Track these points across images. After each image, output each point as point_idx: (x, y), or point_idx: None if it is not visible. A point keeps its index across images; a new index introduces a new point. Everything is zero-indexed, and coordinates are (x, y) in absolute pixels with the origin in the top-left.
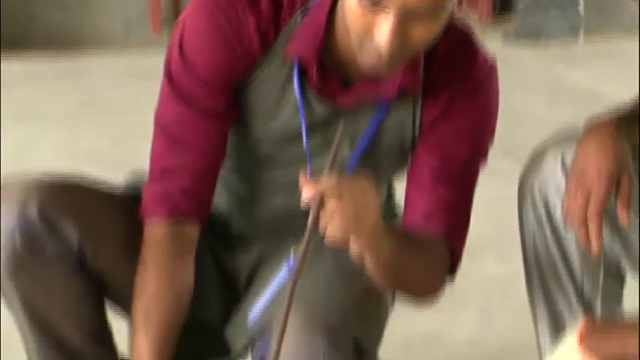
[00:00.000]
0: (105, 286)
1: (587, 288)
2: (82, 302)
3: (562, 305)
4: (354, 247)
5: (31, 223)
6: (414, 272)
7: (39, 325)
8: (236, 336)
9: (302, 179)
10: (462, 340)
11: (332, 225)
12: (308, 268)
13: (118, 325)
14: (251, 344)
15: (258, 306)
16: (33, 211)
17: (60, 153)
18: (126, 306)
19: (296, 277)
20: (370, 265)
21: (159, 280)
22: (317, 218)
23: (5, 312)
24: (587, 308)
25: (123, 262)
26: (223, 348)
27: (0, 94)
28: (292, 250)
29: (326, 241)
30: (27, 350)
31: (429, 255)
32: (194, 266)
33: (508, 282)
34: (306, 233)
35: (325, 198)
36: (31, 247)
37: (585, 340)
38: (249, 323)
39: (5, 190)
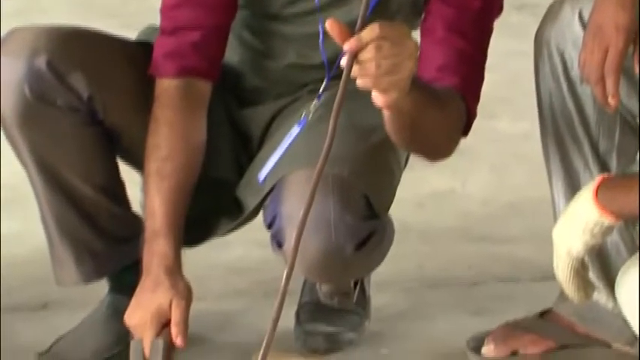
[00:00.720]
0: (116, 140)
1: (602, 144)
2: (92, 156)
3: (577, 162)
4: (381, 99)
5: (40, 74)
6: (432, 127)
7: (49, 177)
8: (248, 195)
9: (334, 27)
10: (475, 198)
11: (367, 74)
12: (320, 125)
13: (130, 185)
14: (263, 204)
15: (269, 164)
16: (42, 62)
17: (70, 6)
18: (138, 162)
19: (332, 133)
20: (391, 120)
21: (170, 136)
22: (351, 68)
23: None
24: (603, 165)
25: (134, 116)
26: (236, 208)
27: None
28: (305, 111)
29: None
30: (38, 202)
31: (447, 110)
32: (206, 123)
33: (522, 140)
34: (342, 83)
35: (364, 46)
36: (40, 97)
37: (601, 194)
38: (261, 182)
39: (13, 40)
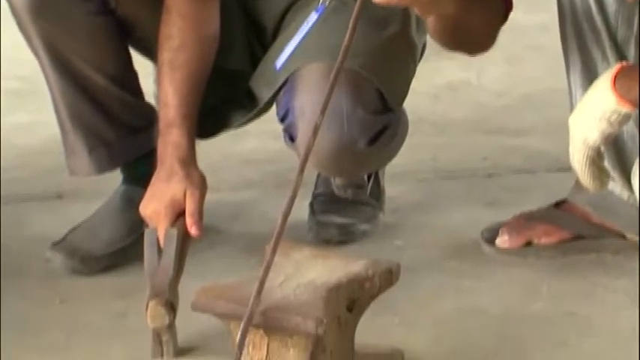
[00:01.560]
0: (129, 30)
1: (621, 33)
2: (104, 45)
3: (595, 52)
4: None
5: None
6: (474, 26)
7: (61, 66)
8: (261, 87)
9: None
10: (490, 90)
11: None
12: (334, 17)
13: (144, 76)
14: (276, 97)
15: (284, 55)
16: None
17: None
18: (151, 53)
19: (352, 31)
20: (434, 25)
21: (183, 27)
22: None
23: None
24: (621, 54)
25: (146, 6)
26: (249, 100)
27: None
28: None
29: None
30: (51, 92)
31: (487, 6)
32: (220, 14)
33: (538, 31)
34: None
35: None
36: None
37: (618, 83)
38: (278, 69)
39: None
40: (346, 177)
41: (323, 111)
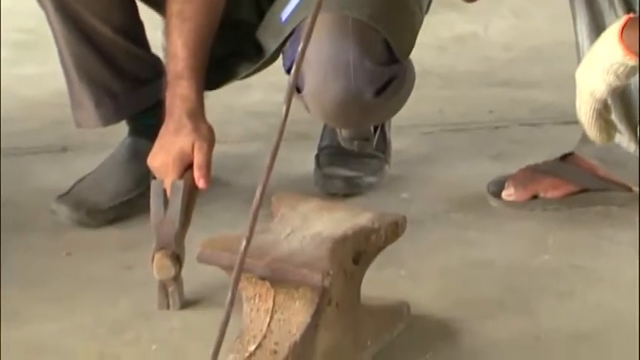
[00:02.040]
0: None
1: None
2: None
3: (603, 4)
4: None
5: None
6: None
7: (67, 17)
8: (268, 38)
9: None
10: (497, 42)
11: None
12: None
13: (151, 27)
14: (282, 48)
15: (290, 6)
16: None
17: None
18: (159, 4)
19: None
20: None
21: None
22: None
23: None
24: (629, 5)
25: None
26: (256, 51)
27: None
28: None
29: None
30: (57, 43)
31: None
32: None
33: None
34: None
35: None
36: None
37: (626, 35)
38: (281, 25)
39: None
40: (353, 128)
41: (304, 47)
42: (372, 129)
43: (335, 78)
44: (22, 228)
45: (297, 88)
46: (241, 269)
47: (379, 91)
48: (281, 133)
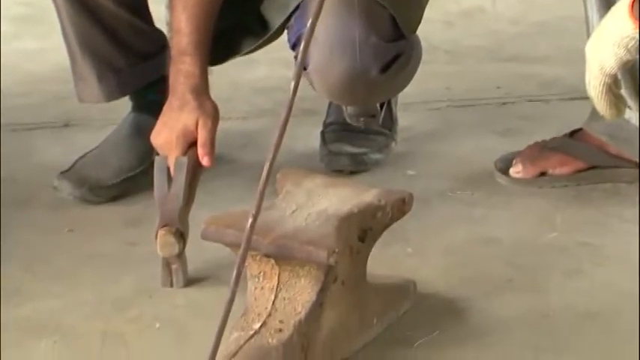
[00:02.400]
0: None
1: None
2: None
3: None
4: None
5: None
6: None
7: None
8: (273, 13)
9: None
10: (504, 17)
11: None
12: None
13: (155, 2)
14: (287, 24)
15: None
16: None
17: None
18: None
19: None
20: None
21: None
22: None
23: None
24: None
25: None
26: (261, 26)
27: None
28: None
29: None
30: (59, 17)
31: None
32: None
33: None
34: None
35: None
36: None
37: (637, 8)
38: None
39: None
40: (358, 105)
41: (312, 25)
42: (378, 106)
43: (340, 54)
44: (24, 204)
45: None
46: (248, 247)
47: (385, 68)
48: (289, 109)
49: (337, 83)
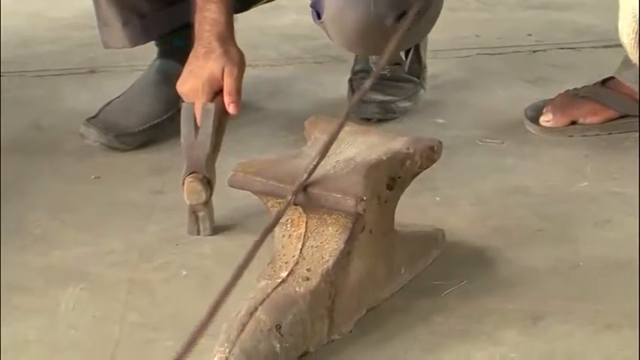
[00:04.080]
0: None
1: None
2: None
3: None
4: None
5: None
6: None
7: None
8: None
9: None
10: None
11: None
12: None
13: None
14: None
15: None
16: None
17: None
18: None
19: None
20: None
21: None
22: None
23: None
24: None
25: None
26: None
27: None
28: None
29: None
30: None
31: None
32: None
33: None
34: None
35: None
36: None
37: None
38: None
39: None
40: (375, 55)
41: None
42: (402, 54)
43: (355, 3)
44: (50, 151)
45: (317, 14)
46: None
47: (401, 17)
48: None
49: (352, 32)
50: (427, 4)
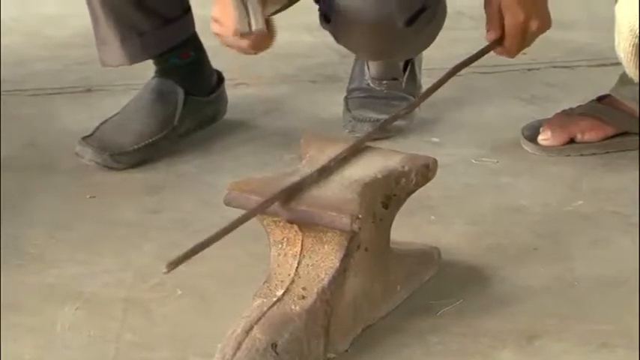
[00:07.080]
0: None
1: None
2: None
3: None
4: None
5: None
6: None
7: None
8: None
9: None
10: None
11: None
12: None
13: None
14: None
15: None
16: None
17: None
18: None
19: None
20: None
21: None
22: None
23: None
24: None
25: None
26: None
27: None
28: None
29: None
30: None
31: None
32: None
33: None
34: None
35: None
36: None
37: None
38: None
39: None
40: (383, 60)
41: None
42: (401, 69)
43: (366, 4)
44: (45, 170)
45: (325, 17)
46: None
47: (411, 20)
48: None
49: (362, 35)
50: (434, 12)
